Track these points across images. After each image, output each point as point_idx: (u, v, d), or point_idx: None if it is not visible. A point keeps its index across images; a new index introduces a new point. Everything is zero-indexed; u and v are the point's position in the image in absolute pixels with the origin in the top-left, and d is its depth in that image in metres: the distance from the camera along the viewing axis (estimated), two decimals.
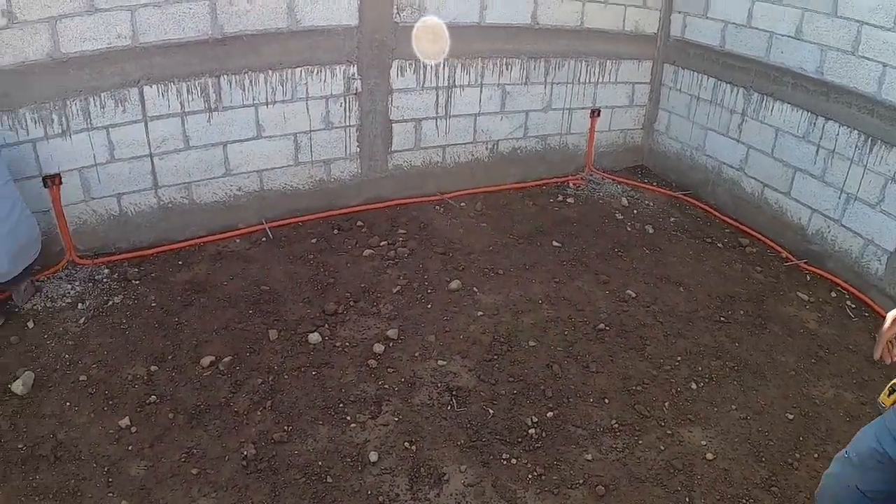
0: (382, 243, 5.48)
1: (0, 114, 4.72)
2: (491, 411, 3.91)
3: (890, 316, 2.20)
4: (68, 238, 5.14)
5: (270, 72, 5.29)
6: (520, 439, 3.75)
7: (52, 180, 4.95)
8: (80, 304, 4.76)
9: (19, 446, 3.67)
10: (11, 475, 3.51)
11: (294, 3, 5.15)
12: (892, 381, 2.41)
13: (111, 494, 3.38)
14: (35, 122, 4.81)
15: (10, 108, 4.73)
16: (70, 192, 5.07)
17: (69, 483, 3.45)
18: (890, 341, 2.18)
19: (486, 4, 5.76)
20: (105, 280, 5.01)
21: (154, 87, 5.00)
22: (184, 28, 4.91)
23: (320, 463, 3.55)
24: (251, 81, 5.26)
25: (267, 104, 5.38)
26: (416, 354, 4.31)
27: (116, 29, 4.75)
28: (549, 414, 3.91)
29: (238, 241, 5.50)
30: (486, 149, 6.44)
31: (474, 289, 4.96)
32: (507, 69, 6.16)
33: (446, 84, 5.97)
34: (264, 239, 5.50)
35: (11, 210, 4.49)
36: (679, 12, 6.76)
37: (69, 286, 4.94)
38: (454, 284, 4.96)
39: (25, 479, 3.48)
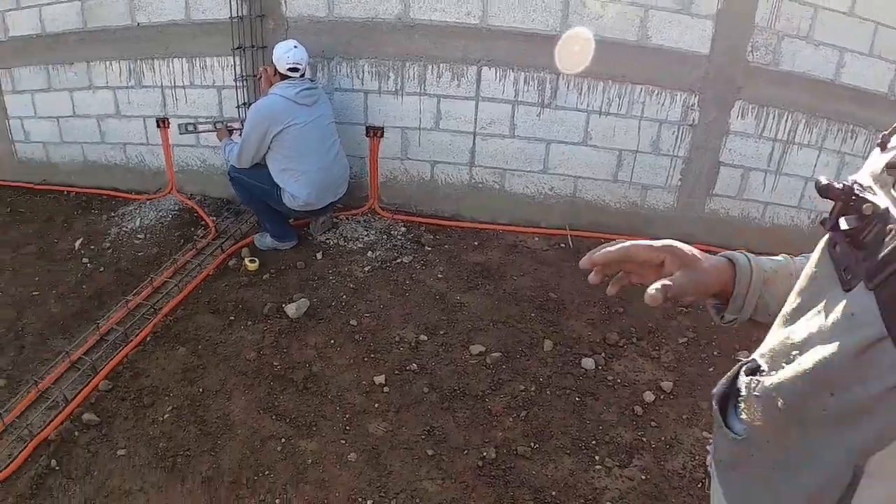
0: None
1: (341, 61, 4.93)
2: None
3: (639, 243, 1.16)
4: (376, 188, 5.20)
5: (610, 82, 4.92)
6: None
7: (375, 132, 5.05)
8: (369, 252, 4.73)
9: (275, 364, 3.62)
10: (259, 387, 3.46)
11: (648, 19, 4.74)
12: None
13: (343, 442, 3.20)
14: (372, 76, 4.94)
15: (351, 58, 4.92)
16: (388, 147, 5.13)
17: (308, 415, 3.32)
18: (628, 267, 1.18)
19: (844, 62, 5.02)
20: (399, 237, 4.96)
21: (493, 70, 4.87)
22: (533, 19, 4.72)
23: (554, 493, 3.12)
24: (589, 87, 4.94)
25: (599, 114, 5.02)
26: (685, 417, 3.70)
27: (467, 6, 4.68)
28: None
29: (537, 238, 5.17)
30: (809, 218, 5.60)
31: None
32: (850, 137, 5.32)
33: (785, 138, 5.26)
34: (562, 245, 5.12)
35: (329, 148, 4.63)
36: None
37: (364, 232, 4.95)
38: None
39: (270, 396, 3.41)
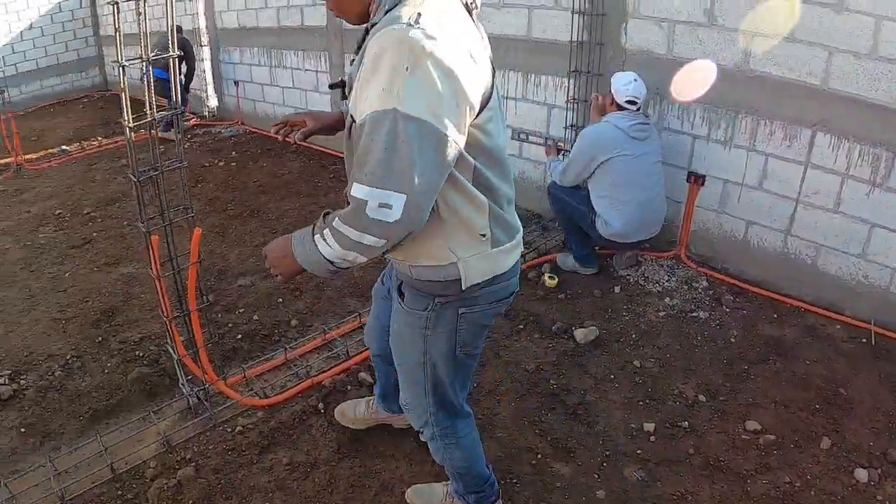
0: None
1: (662, 101, 4.95)
2: None
3: (292, 114, 2.70)
4: (686, 235, 5.11)
5: None
6: None
7: (696, 179, 4.94)
8: (667, 298, 4.65)
9: (552, 382, 3.72)
10: (529, 399, 3.59)
11: None
12: None
13: (595, 476, 3.22)
14: (702, 121, 4.84)
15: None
16: (706, 197, 5.00)
17: (570, 440, 3.37)
18: (291, 126, 2.38)
19: None
20: (700, 290, 4.81)
21: (827, 136, 4.49)
22: (877, 88, 4.24)
23: None
24: None
25: None
26: None
27: (809, 65, 4.39)
28: None
29: (838, 326, 4.72)
30: None
31: None
32: None
33: None
34: (864, 340, 4.64)
35: (653, 186, 4.64)
36: None
37: (665, 277, 4.89)
38: None
39: (538, 410, 3.52)
